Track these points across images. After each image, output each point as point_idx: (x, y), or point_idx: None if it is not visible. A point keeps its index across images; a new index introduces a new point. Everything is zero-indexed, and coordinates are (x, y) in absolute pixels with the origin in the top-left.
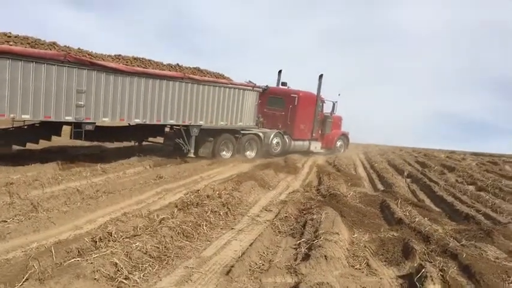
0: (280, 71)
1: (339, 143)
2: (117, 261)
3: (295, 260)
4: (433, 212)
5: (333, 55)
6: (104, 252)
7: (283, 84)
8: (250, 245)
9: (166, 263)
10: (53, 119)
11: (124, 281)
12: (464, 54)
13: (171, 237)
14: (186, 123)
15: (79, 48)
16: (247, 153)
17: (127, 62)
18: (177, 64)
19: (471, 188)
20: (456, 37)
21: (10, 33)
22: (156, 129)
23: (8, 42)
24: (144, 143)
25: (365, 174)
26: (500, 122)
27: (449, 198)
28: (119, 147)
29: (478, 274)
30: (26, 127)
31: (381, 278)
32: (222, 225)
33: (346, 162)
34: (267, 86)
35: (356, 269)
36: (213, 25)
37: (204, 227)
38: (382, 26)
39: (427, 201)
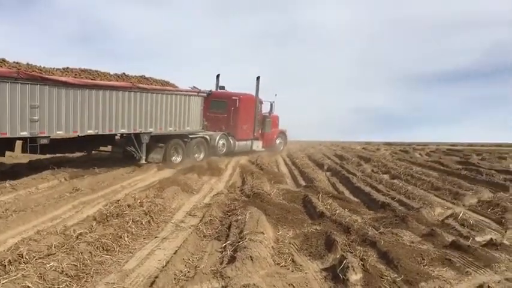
0: (218, 75)
1: (278, 141)
2: (30, 285)
3: (221, 263)
4: (352, 202)
5: (258, 57)
6: (15, 276)
7: (221, 88)
8: (174, 253)
9: (85, 281)
10: (8, 135)
11: None
12: (380, 51)
13: (90, 252)
14: (137, 131)
15: (28, 64)
16: (196, 155)
17: (75, 75)
18: (123, 73)
19: (386, 176)
20: (371, 34)
21: None
22: (108, 138)
23: None
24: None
25: (287, 171)
26: (410, 112)
27: (367, 188)
28: (30, 159)
29: (396, 259)
30: None
31: (306, 273)
32: (145, 234)
33: (268, 161)
34: (210, 90)
35: (282, 266)
36: (132, 29)
37: (126, 239)
38: (303, 27)
39: (347, 193)
